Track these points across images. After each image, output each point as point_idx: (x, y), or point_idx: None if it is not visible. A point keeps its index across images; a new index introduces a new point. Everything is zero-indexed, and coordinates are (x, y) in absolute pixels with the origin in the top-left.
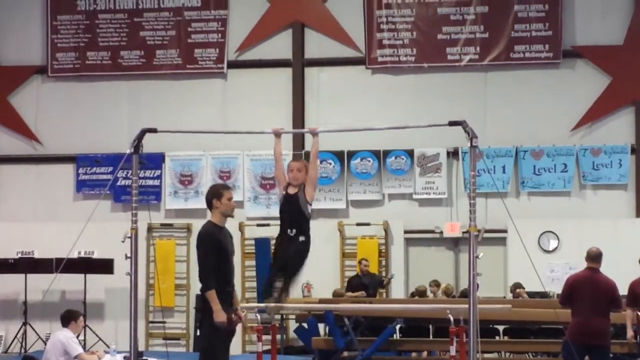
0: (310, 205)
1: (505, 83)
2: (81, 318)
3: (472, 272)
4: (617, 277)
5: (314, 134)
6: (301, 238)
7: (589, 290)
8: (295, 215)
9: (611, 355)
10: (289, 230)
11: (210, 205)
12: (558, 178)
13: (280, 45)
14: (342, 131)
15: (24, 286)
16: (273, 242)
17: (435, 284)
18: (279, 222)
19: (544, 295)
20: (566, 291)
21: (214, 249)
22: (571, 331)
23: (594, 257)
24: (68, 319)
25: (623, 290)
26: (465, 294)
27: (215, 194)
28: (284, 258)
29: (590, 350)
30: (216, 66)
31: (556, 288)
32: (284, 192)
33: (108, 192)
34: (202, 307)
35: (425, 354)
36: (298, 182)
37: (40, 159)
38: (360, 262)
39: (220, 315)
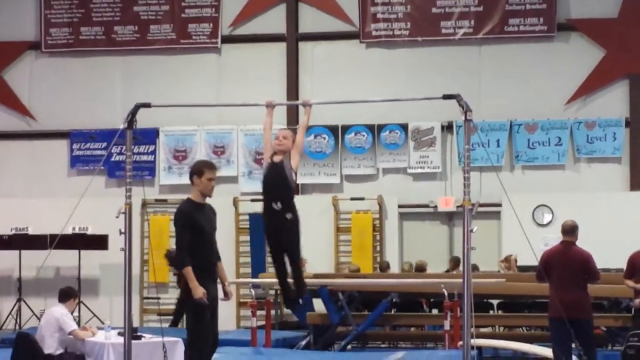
0: (295, 173)
1: (499, 57)
2: (77, 297)
3: (467, 246)
4: (611, 249)
5: (307, 105)
6: (288, 215)
7: (562, 263)
8: (280, 183)
9: (604, 328)
10: (273, 204)
11: (190, 180)
12: (552, 152)
13: (274, 20)
14: (335, 103)
15: (18, 262)
16: None
17: (387, 265)
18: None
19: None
20: (541, 266)
21: (188, 227)
22: (551, 307)
23: (568, 230)
24: (68, 295)
25: (617, 263)
26: (420, 269)
27: (197, 171)
28: (279, 243)
29: (573, 324)
30: (210, 41)
31: None
32: (270, 160)
33: (102, 167)
34: (184, 286)
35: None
36: (283, 149)
37: (34, 134)
38: None
39: (197, 292)
